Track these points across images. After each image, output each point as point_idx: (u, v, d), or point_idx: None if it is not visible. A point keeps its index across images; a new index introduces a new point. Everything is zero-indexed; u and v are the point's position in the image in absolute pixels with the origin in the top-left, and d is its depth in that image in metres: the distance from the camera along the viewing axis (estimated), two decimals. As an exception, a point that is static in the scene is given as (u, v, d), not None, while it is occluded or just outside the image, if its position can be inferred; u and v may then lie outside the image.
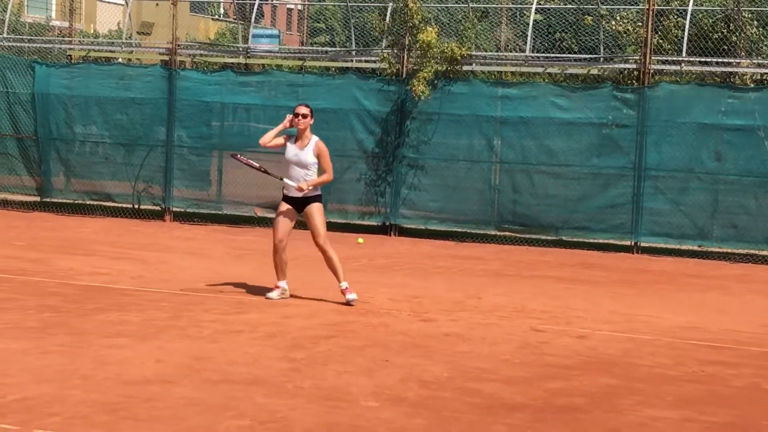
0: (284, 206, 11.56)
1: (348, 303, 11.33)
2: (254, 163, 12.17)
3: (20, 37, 24.07)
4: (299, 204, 11.50)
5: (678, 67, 18.52)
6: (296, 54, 23.46)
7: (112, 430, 6.36)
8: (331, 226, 19.03)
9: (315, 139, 11.51)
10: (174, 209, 20.03)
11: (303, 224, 11.79)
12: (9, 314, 9.99)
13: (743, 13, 19.65)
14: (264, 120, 19.76)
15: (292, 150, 11.49)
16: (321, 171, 11.52)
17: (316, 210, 11.48)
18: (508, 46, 24.79)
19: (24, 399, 6.97)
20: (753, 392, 8.27)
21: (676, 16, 19.86)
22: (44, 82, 20.47)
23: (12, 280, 12.05)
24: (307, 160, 11.41)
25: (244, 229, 19.04)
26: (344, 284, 11.45)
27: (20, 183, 20.94)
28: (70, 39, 23.33)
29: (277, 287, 11.58)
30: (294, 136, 11.60)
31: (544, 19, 24.24)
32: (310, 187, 11.38)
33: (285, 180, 11.47)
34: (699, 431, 7.02)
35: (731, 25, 19.76)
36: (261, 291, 12.00)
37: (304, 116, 11.45)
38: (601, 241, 18.04)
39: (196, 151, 20.03)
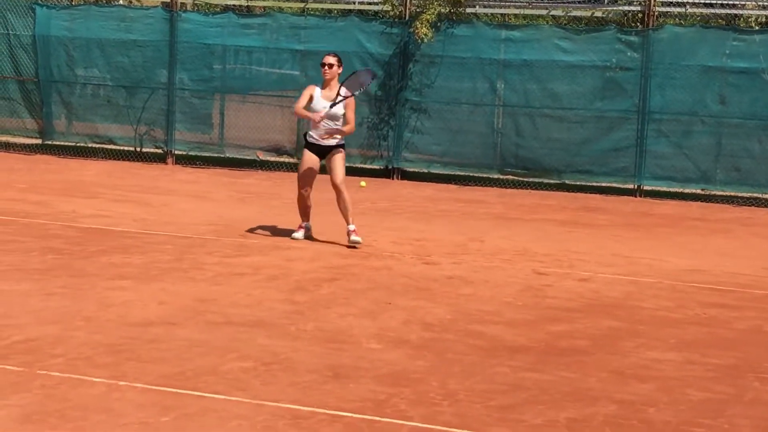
0: (308, 155, 11.56)
1: (351, 244, 11.35)
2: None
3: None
4: (322, 151, 11.53)
5: (682, 10, 18.39)
6: (298, -4, 23.26)
7: (116, 371, 6.38)
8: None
9: (343, 89, 11.37)
10: (176, 152, 19.99)
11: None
12: (11, 256, 10.00)
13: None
14: (266, 63, 19.68)
15: (320, 102, 11.38)
16: (344, 121, 11.42)
17: (341, 155, 11.54)
18: (511, -12, 24.58)
19: (27, 340, 6.99)
20: (755, 335, 8.29)
21: (681, -42, 19.67)
22: (45, 24, 20.34)
23: (14, 222, 12.05)
24: (336, 112, 11.36)
25: (246, 172, 19.01)
26: (352, 226, 11.46)
27: (22, 126, 20.89)
28: (71, -20, 23.14)
29: (302, 227, 11.79)
30: (320, 85, 11.54)
31: (548, -40, 24.00)
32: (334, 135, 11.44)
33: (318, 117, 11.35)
34: (701, 373, 7.04)
35: (737, -34, 19.59)
36: (264, 234, 12.00)
37: (330, 66, 11.42)
38: (604, 184, 18.01)
39: (197, 94, 19.96)
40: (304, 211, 11.78)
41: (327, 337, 7.48)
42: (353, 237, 11.40)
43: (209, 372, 6.48)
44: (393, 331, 7.76)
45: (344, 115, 11.39)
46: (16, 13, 20.47)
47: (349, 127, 11.49)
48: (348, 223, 11.50)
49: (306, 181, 11.58)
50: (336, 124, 11.40)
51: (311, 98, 11.43)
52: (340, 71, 11.50)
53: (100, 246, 10.78)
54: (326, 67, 11.42)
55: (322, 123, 11.32)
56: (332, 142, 11.50)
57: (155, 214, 13.31)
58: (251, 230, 12.24)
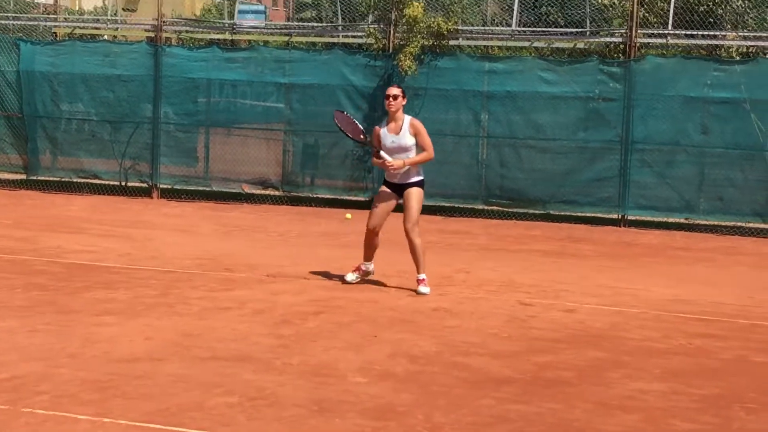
0: (384, 191, 11.04)
1: (417, 292, 10.78)
2: (358, 126, 11.36)
3: (5, 14, 23.90)
4: (400, 189, 10.97)
5: (664, 41, 18.51)
6: (282, 30, 23.36)
7: (101, 408, 6.36)
8: (319, 202, 19.14)
9: (408, 118, 10.89)
10: (161, 186, 19.98)
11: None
12: (-4, 293, 9.97)
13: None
14: (251, 96, 19.73)
15: (388, 137, 10.82)
16: (419, 150, 10.90)
17: (414, 194, 10.88)
18: (494, 20, 24.73)
19: (12, 378, 6.97)
20: (740, 364, 8.31)
21: (662, -11, 19.82)
22: (29, 59, 20.37)
23: (-1, 258, 12.03)
24: (406, 143, 10.77)
25: (231, 205, 19.02)
26: (421, 275, 10.88)
27: (7, 161, 20.87)
28: (55, 16, 23.22)
29: (358, 269, 11.22)
30: (384, 121, 11.03)
31: (531, -8, 24.16)
32: (406, 165, 10.75)
33: (382, 153, 10.82)
34: (686, 404, 7.05)
35: (717, -3, 19.75)
36: (249, 268, 12.00)
37: (395, 97, 10.77)
38: (588, 214, 18.06)
39: (182, 128, 19.98)
40: (367, 249, 11.15)
41: (312, 371, 7.48)
42: (420, 287, 10.82)
43: (195, 408, 6.47)
44: (378, 365, 7.76)
45: (415, 144, 10.81)
46: (1, 49, 20.49)
47: (426, 154, 10.84)
48: (418, 272, 10.92)
49: (374, 219, 11.00)
50: (408, 155, 10.80)
51: (380, 142, 10.89)
52: (404, 103, 10.89)
53: (85, 282, 10.76)
54: (390, 99, 10.79)
55: (391, 157, 10.75)
56: (408, 178, 10.89)
57: (140, 249, 13.29)
58: (236, 264, 12.23)
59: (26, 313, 9.13)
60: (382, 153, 10.81)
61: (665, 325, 9.73)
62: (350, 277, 11.22)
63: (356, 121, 11.43)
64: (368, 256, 11.21)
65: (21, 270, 11.32)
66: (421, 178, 11.00)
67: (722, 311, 10.52)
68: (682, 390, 7.38)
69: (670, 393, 7.29)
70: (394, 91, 10.87)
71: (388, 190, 11.04)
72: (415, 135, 10.82)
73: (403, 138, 10.79)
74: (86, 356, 7.66)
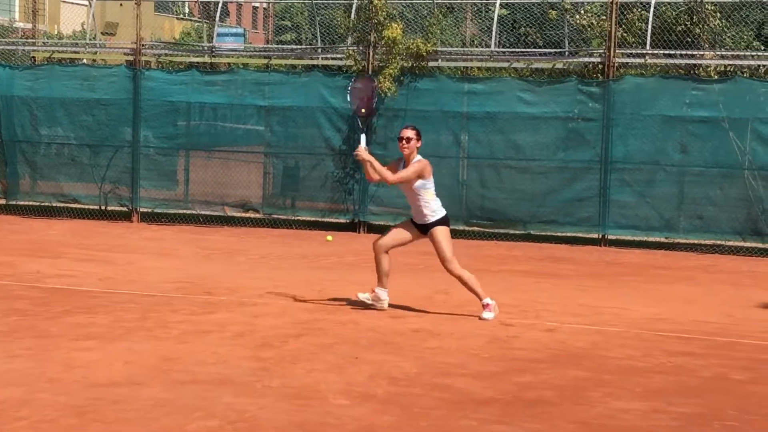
0: (408, 222, 11.08)
1: (480, 317, 10.63)
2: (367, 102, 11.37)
3: (-17, 39, 23.89)
4: (422, 228, 10.92)
5: (642, 60, 18.61)
6: (262, 52, 23.39)
7: (81, 433, 6.33)
8: (300, 224, 19.13)
9: (417, 159, 10.69)
10: (141, 210, 19.94)
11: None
12: (-25, 318, 9.92)
13: (706, 5, 19.76)
14: (231, 119, 19.73)
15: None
16: (427, 189, 10.85)
17: (438, 233, 10.74)
18: (473, 41, 24.84)
19: (-9, 403, 6.93)
20: (720, 382, 8.33)
21: (639, 9, 19.94)
22: (8, 84, 20.33)
23: (-22, 284, 11.97)
24: (413, 185, 10.71)
25: (212, 228, 18.98)
26: (485, 300, 10.70)
27: (-15, 186, 20.79)
28: (34, 40, 23.19)
29: (372, 291, 11.05)
30: (402, 161, 10.87)
31: (509, 13, 24.32)
32: (371, 161, 10.66)
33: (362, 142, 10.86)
34: (667, 422, 7.06)
35: (694, 17, 19.87)
36: (229, 291, 11.97)
37: (408, 140, 10.62)
38: (568, 234, 18.10)
39: (162, 151, 19.96)
40: (378, 271, 11.00)
41: (293, 394, 7.46)
42: (484, 313, 10.65)
43: (175, 432, 6.44)
44: (360, 386, 7.74)
45: (427, 186, 10.76)
46: (-21, 73, 20.45)
47: (389, 174, 10.71)
48: (480, 299, 10.72)
49: (385, 237, 11.09)
50: (418, 197, 10.78)
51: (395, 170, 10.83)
52: (419, 145, 10.69)
53: (64, 306, 10.72)
54: (403, 142, 10.66)
55: (408, 200, 10.81)
56: (425, 219, 10.85)
57: (120, 273, 13.25)
58: (217, 287, 12.20)
59: (5, 338, 9.09)
60: (361, 146, 10.81)
61: (646, 343, 9.75)
62: (362, 295, 11.04)
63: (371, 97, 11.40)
64: (380, 281, 10.98)
65: (0, 295, 11.26)
66: (439, 216, 10.83)
67: (702, 329, 10.55)
68: (662, 408, 7.39)
69: (651, 411, 7.30)
70: (406, 133, 10.67)
71: (411, 224, 11.00)
72: (419, 175, 10.64)
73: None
74: (66, 381, 7.63)
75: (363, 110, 11.49)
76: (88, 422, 6.59)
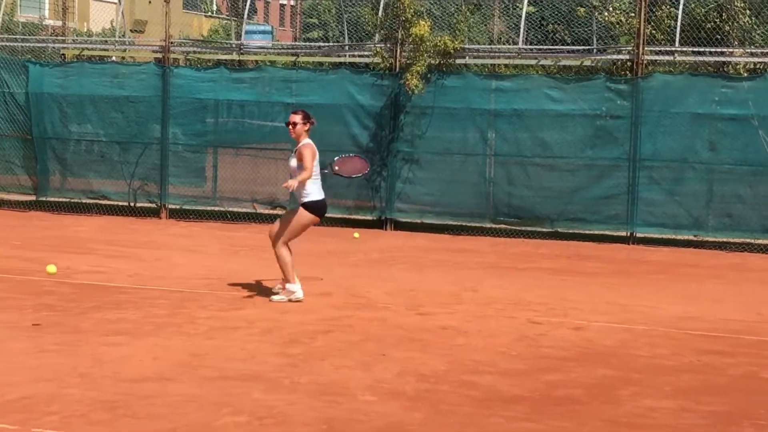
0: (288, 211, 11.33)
1: (270, 297, 11.19)
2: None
3: (14, 36, 24.03)
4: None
5: (671, 58, 18.52)
6: (289, 50, 23.44)
7: (111, 428, 6.37)
8: (327, 221, 19.05)
9: (304, 143, 11.13)
10: (170, 206, 20.01)
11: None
12: (6, 314, 10.00)
13: (736, 2, 19.65)
14: (258, 116, 19.78)
15: (292, 159, 11.24)
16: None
17: (299, 214, 11.15)
18: (500, 38, 24.79)
19: (22, 398, 6.99)
20: (749, 381, 8.30)
21: (668, 6, 19.84)
22: (38, 81, 20.44)
23: (9, 279, 12.06)
24: (293, 166, 11.16)
25: (240, 225, 19.04)
26: (291, 286, 11.17)
27: (16, 182, 20.92)
28: (64, 38, 23.31)
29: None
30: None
31: (537, 11, 24.23)
32: (294, 185, 10.86)
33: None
34: (696, 421, 7.04)
35: (724, 14, 19.75)
36: (257, 287, 12.01)
37: (294, 125, 11.18)
38: (596, 232, 18.04)
39: (191, 148, 20.02)
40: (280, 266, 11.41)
41: (322, 390, 7.48)
42: (275, 294, 11.25)
43: (203, 427, 6.47)
44: (388, 383, 7.76)
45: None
46: (10, 71, 20.59)
47: (303, 174, 10.91)
48: (286, 281, 11.24)
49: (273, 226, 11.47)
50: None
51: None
52: (306, 128, 11.17)
53: (94, 302, 10.79)
54: (290, 127, 11.25)
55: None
56: (301, 198, 11.19)
57: (149, 269, 13.32)
58: (245, 283, 12.25)
59: (36, 333, 9.16)
60: (288, 182, 11.03)
61: (674, 342, 9.72)
62: (275, 296, 11.30)
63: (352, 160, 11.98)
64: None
65: (31, 291, 11.35)
66: (306, 201, 11.16)
67: (731, 328, 10.50)
68: (691, 407, 7.37)
69: (680, 410, 7.29)
70: (292, 118, 11.26)
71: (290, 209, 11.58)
72: (298, 158, 11.05)
73: (292, 160, 11.22)
74: (96, 376, 7.68)
75: (336, 168, 11.79)
76: (118, 417, 6.63)
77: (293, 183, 10.87)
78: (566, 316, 10.86)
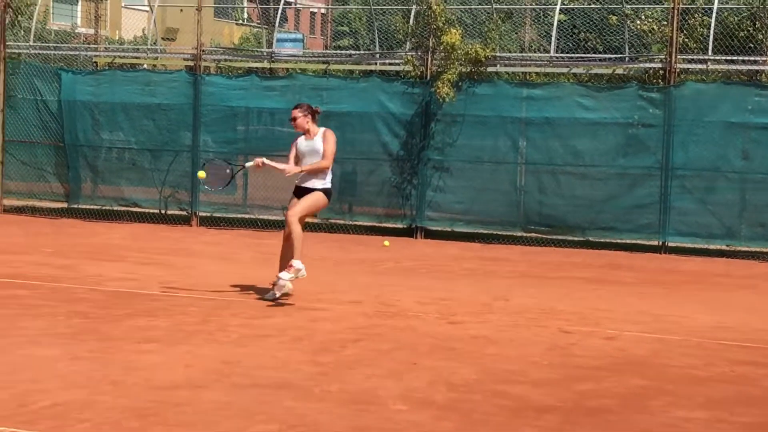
0: (293, 200, 11.67)
1: (277, 279, 11.42)
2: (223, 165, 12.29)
3: (46, 44, 24.20)
4: (305, 193, 11.58)
5: (704, 66, 18.44)
6: (320, 58, 23.51)
7: (143, 436, 6.38)
8: (357, 229, 19.16)
9: (323, 129, 11.64)
10: (201, 214, 20.09)
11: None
12: (39, 321, 10.04)
13: (769, 11, 19.53)
14: (289, 124, 19.79)
15: (303, 142, 11.60)
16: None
17: (310, 195, 11.47)
18: (532, 46, 24.75)
19: (54, 405, 7.00)
20: (784, 392, 8.22)
21: (701, 15, 19.78)
22: (70, 89, 20.59)
23: (41, 286, 12.11)
24: (318, 148, 11.47)
25: (270, 233, 19.06)
26: (296, 263, 11.34)
27: (48, 189, 21.08)
28: (96, 46, 23.47)
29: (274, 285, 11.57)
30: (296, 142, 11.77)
31: (569, 19, 24.19)
32: (302, 171, 11.41)
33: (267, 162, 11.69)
34: (730, 432, 6.98)
35: (757, 23, 19.66)
36: (287, 295, 12.00)
37: (294, 119, 11.63)
38: (628, 241, 17.97)
39: (222, 156, 20.05)
40: (282, 257, 11.83)
41: (352, 399, 7.46)
42: (282, 275, 11.41)
43: (235, 435, 6.46)
44: (419, 392, 7.73)
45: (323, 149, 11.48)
46: (43, 79, 20.73)
47: (324, 162, 11.43)
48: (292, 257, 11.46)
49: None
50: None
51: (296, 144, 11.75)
52: (306, 120, 11.58)
53: (126, 309, 10.82)
54: (292, 123, 11.72)
55: (303, 162, 11.49)
56: (314, 184, 11.53)
57: (180, 277, 13.35)
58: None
59: (68, 340, 9.19)
60: (303, 167, 11.54)
61: (707, 352, 9.64)
62: (268, 295, 11.55)
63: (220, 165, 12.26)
64: (281, 266, 11.68)
65: (63, 298, 11.39)
66: (323, 187, 11.57)
67: (765, 338, 10.41)
68: (725, 418, 7.30)
69: (714, 421, 7.22)
70: (293, 114, 11.70)
71: (296, 198, 11.70)
72: (323, 141, 11.52)
73: (316, 142, 11.57)
74: (127, 383, 7.69)
75: (211, 186, 12.21)
76: (150, 425, 6.63)
77: (304, 168, 11.40)
78: (598, 326, 10.80)
